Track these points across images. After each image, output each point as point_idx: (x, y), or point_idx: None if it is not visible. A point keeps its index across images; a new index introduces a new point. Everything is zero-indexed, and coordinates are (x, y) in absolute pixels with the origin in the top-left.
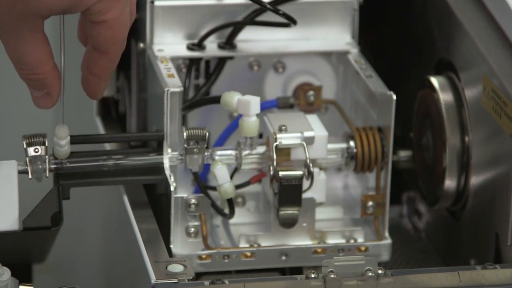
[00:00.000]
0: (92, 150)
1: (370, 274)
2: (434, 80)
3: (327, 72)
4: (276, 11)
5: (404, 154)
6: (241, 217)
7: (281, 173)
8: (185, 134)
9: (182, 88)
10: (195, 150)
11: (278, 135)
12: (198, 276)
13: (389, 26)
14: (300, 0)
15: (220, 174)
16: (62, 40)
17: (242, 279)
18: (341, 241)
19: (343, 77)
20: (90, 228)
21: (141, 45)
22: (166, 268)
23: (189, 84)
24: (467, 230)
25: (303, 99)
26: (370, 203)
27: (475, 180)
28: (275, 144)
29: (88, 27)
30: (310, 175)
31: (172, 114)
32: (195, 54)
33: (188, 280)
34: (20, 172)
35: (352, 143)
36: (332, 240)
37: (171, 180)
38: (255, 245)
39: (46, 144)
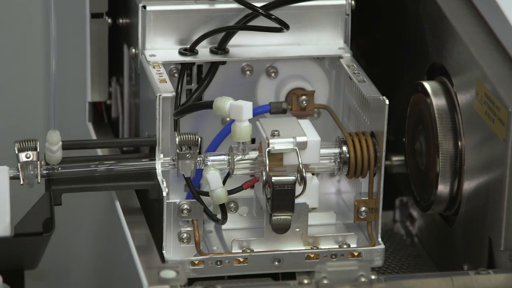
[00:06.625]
0: (84, 155)
1: (363, 279)
2: (427, 85)
3: (319, 77)
4: (269, 16)
5: (397, 159)
6: (233, 223)
7: (273, 178)
8: (177, 139)
9: (174, 93)
10: (187, 155)
11: (271, 140)
12: (191, 281)
13: (381, 30)
14: (293, 5)
15: (213, 179)
16: (54, 44)
17: (234, 285)
18: (334, 246)
19: (336, 82)
20: (82, 234)
21: (133, 50)
22: (159, 274)
23: (181, 89)
24: (460, 235)
25: (295, 104)
26: (363, 208)
27: (468, 185)
28: (267, 149)
29: None
30: (303, 180)
31: (164, 119)
32: (187, 59)
33: (181, 286)
34: (11, 178)
35: (344, 148)
36: (325, 246)
37: (163, 185)
38: (248, 251)
39: (38, 150)
